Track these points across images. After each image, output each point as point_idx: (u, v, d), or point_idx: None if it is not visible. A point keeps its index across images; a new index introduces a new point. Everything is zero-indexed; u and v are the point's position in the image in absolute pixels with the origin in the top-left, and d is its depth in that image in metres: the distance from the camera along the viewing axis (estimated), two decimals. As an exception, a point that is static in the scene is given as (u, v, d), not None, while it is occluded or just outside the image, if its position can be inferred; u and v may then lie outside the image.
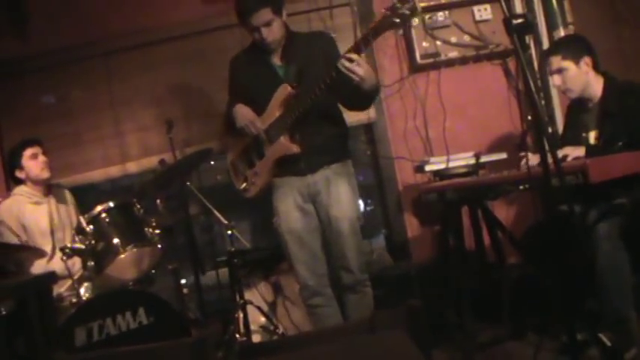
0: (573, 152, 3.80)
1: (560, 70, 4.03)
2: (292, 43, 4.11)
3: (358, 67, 3.62)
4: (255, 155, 4.24)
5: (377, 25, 3.54)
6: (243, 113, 4.14)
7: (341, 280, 4.14)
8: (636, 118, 3.77)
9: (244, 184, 4.31)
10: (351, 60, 3.61)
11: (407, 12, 3.43)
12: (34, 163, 4.70)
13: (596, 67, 4.01)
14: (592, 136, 4.03)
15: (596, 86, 4.00)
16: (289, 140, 4.03)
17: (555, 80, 4.09)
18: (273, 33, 3.98)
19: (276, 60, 4.11)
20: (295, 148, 4.01)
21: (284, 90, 4.00)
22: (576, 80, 4.00)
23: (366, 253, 4.30)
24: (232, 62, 4.31)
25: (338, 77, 3.68)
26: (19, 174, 4.72)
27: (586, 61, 3.97)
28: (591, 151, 3.82)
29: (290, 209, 4.14)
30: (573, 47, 4.06)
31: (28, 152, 4.70)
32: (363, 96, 3.87)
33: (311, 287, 4.14)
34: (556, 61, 4.05)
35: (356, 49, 3.63)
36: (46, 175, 4.74)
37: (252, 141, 4.21)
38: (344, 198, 4.08)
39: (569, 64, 3.99)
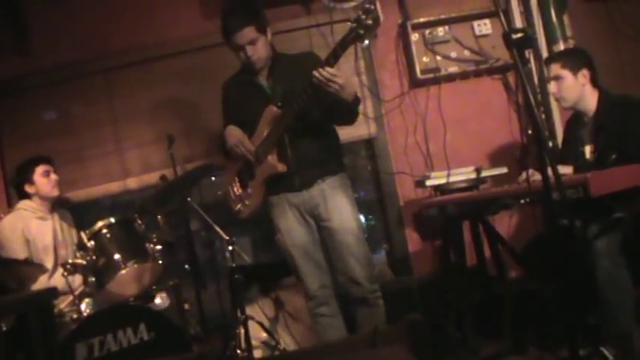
0: (560, 170, 3.77)
1: (557, 78, 4.07)
2: (279, 64, 4.15)
3: (333, 78, 3.67)
4: (247, 177, 4.27)
5: (344, 38, 3.62)
6: (233, 134, 4.18)
7: (350, 293, 4.15)
8: (629, 131, 3.79)
9: (239, 206, 4.34)
10: (325, 71, 3.66)
11: (370, 22, 3.50)
12: (45, 180, 4.73)
13: (594, 82, 4.02)
14: (587, 151, 4.05)
15: (591, 100, 4.02)
16: (276, 159, 4.06)
17: (552, 87, 4.14)
18: (257, 51, 4.03)
19: (262, 80, 4.15)
20: (281, 167, 4.05)
21: (270, 111, 4.05)
22: (571, 90, 4.03)
23: (374, 264, 4.29)
24: (224, 86, 4.37)
25: (314, 90, 3.74)
26: (29, 189, 4.73)
27: (584, 73, 4.00)
28: (580, 168, 3.84)
29: (292, 224, 4.16)
30: (574, 58, 4.10)
31: (41, 169, 4.73)
32: (344, 106, 3.88)
33: (318, 297, 4.17)
34: (555, 69, 4.08)
35: (327, 63, 3.69)
36: (56, 193, 4.79)
37: (244, 163, 4.24)
38: (344, 210, 4.10)
39: (566, 73, 4.02)
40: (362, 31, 3.53)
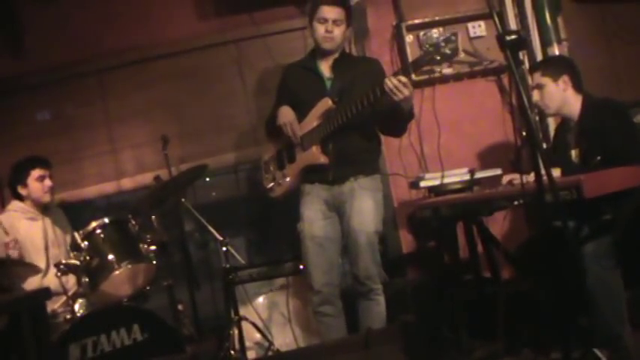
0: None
1: (539, 86, 4.12)
2: (344, 61, 4.31)
3: (404, 88, 3.78)
4: (286, 158, 4.42)
5: (418, 59, 3.86)
6: (286, 114, 4.30)
7: (354, 287, 4.25)
8: (611, 133, 3.82)
9: (272, 184, 4.49)
10: (399, 80, 3.78)
11: (448, 52, 3.67)
12: (39, 185, 4.69)
13: (577, 87, 4.05)
14: (574, 154, 4.08)
15: (574, 105, 4.05)
16: (320, 150, 4.17)
17: (535, 95, 4.18)
18: (337, 34, 4.19)
19: (325, 70, 4.29)
20: (323, 159, 4.16)
21: (325, 103, 4.16)
22: (553, 97, 4.07)
23: (380, 266, 4.32)
24: (286, 69, 4.56)
25: (375, 97, 3.87)
26: (21, 190, 4.70)
27: (564, 79, 4.03)
28: (567, 171, 3.88)
29: (315, 216, 4.25)
30: (554, 65, 4.17)
31: (36, 173, 4.68)
32: (400, 117, 4.06)
33: (324, 294, 4.23)
34: (536, 77, 4.14)
35: (403, 72, 3.84)
36: (47, 199, 4.74)
37: (286, 144, 4.38)
38: (366, 211, 4.17)
39: (547, 81, 4.07)
40: (438, 57, 3.70)
